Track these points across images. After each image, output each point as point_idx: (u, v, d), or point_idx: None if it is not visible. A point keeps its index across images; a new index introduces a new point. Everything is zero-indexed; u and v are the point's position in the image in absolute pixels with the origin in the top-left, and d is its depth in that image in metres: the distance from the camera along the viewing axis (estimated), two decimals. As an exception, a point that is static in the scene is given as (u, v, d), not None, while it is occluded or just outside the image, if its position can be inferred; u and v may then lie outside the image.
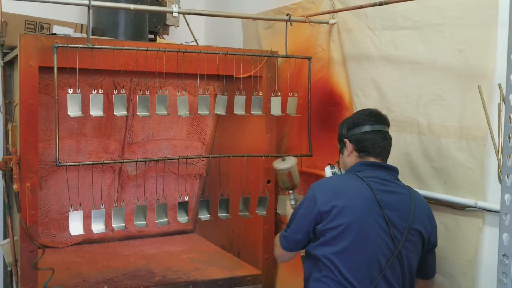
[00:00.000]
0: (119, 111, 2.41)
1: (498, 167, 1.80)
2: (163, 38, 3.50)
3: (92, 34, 2.84)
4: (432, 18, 2.19)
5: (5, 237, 3.09)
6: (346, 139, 2.08)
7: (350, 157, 2.07)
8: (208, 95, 2.57)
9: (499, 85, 1.76)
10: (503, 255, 1.25)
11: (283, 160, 2.45)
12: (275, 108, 2.69)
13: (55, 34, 2.62)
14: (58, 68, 2.27)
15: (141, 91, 2.43)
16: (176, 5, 2.54)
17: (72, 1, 2.42)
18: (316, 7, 2.82)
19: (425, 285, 2.10)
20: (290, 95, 2.72)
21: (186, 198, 2.71)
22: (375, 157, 2.03)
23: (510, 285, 1.24)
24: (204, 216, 2.71)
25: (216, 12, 3.01)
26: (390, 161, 2.10)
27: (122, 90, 2.43)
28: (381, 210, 1.87)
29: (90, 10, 2.31)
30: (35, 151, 2.33)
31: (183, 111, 2.51)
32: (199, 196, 3.18)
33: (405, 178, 2.30)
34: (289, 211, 2.32)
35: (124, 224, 2.55)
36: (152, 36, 3.43)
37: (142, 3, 2.97)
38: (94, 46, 2.33)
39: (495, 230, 1.89)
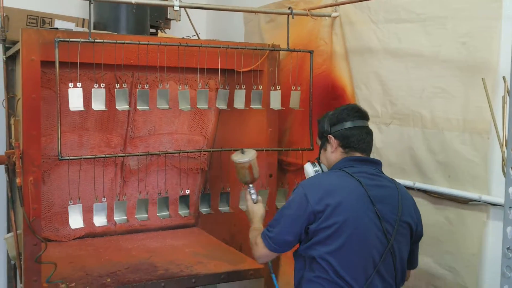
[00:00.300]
0: (121, 105, 2.42)
1: (502, 160, 1.79)
2: (165, 32, 3.49)
3: (94, 29, 2.84)
4: (435, 11, 2.18)
5: (8, 231, 3.10)
6: (330, 135, 2.03)
7: (334, 153, 2.03)
8: (207, 89, 2.57)
9: (503, 78, 1.76)
10: (507, 248, 1.25)
11: (243, 152, 2.31)
12: (275, 102, 2.68)
13: (56, 28, 2.62)
14: (60, 62, 2.27)
15: (140, 85, 2.43)
16: (178, -1, 2.53)
17: (73, -5, 2.41)
18: (318, 0, 2.81)
19: (408, 274, 2.06)
20: (293, 89, 2.71)
21: (187, 192, 2.72)
22: (361, 152, 2.00)
23: (514, 279, 1.24)
24: (205, 209, 2.73)
25: (217, 6, 2.99)
26: (394, 154, 2.10)
27: (124, 84, 2.42)
28: (373, 206, 1.86)
29: (92, 5, 2.30)
30: (38, 145, 2.33)
31: (184, 105, 2.51)
32: (201, 190, 3.18)
33: (408, 171, 2.30)
34: (251, 205, 2.29)
35: (126, 217, 2.56)
36: (154, 30, 3.42)
37: (143, -3, 2.96)
38: (96, 41, 2.33)
39: (499, 224, 1.88)
